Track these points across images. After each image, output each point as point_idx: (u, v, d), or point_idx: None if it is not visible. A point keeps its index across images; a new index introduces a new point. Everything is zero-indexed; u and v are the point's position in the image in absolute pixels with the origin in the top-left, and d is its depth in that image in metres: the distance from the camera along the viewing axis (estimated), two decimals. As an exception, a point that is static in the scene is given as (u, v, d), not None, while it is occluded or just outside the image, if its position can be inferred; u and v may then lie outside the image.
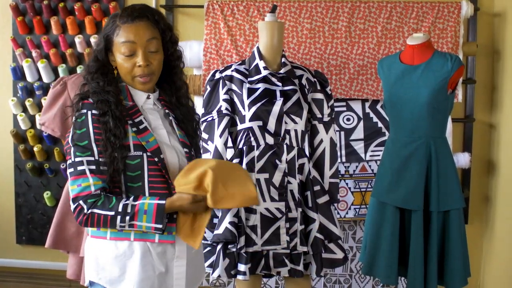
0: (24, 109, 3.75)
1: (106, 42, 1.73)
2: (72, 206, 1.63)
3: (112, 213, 1.60)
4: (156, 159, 1.68)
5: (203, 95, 2.61)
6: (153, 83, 1.77)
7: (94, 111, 1.65)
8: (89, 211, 1.61)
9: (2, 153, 3.87)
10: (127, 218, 1.60)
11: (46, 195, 3.72)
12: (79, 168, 1.62)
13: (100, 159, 1.63)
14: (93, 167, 1.63)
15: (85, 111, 1.66)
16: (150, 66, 1.72)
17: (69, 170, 1.65)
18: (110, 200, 1.62)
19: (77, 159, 1.62)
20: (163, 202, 1.63)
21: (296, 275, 2.42)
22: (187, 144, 1.82)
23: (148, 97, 1.78)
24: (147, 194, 1.68)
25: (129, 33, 1.68)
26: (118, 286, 1.69)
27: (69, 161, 1.65)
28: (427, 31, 3.21)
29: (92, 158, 1.63)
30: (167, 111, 1.84)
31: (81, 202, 1.61)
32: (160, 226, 1.62)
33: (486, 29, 3.42)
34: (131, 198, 1.64)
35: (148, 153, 1.67)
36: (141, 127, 1.70)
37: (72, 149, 1.63)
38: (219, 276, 2.39)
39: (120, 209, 1.60)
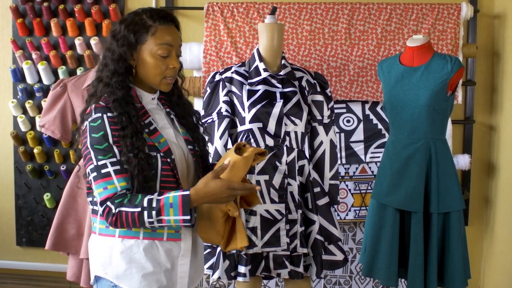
0: (24, 111, 3.75)
1: (135, 41, 1.70)
2: (100, 209, 1.62)
3: (139, 209, 1.58)
4: (168, 160, 1.70)
5: (203, 97, 2.61)
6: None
7: (109, 114, 1.64)
8: (117, 210, 1.59)
9: (2, 155, 3.87)
10: (154, 213, 1.58)
11: (46, 197, 3.72)
12: (103, 171, 1.62)
13: (122, 159, 1.63)
14: (118, 167, 1.62)
15: (100, 114, 1.64)
16: (177, 68, 1.77)
17: (92, 175, 1.63)
18: (136, 197, 1.61)
19: (100, 163, 1.62)
20: (187, 192, 1.61)
21: (296, 277, 2.42)
22: (191, 141, 1.84)
23: (153, 98, 1.80)
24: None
25: (167, 35, 1.71)
26: (124, 280, 1.69)
27: (90, 166, 1.63)
28: (427, 33, 3.21)
29: (114, 159, 1.62)
30: (167, 109, 1.86)
31: (108, 203, 1.60)
32: (188, 217, 1.59)
33: (486, 31, 3.43)
34: (156, 194, 1.63)
35: (161, 154, 1.69)
36: (151, 128, 1.72)
37: (92, 153, 1.62)
38: (219, 278, 2.39)
39: (145, 204, 1.58)
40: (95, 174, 1.62)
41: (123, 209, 1.59)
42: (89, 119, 1.65)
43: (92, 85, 1.76)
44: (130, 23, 1.71)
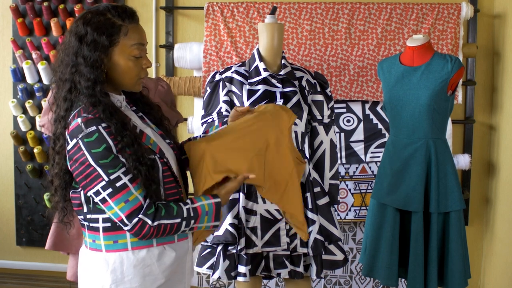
0: (24, 111, 3.75)
1: (108, 44, 1.57)
2: (130, 223, 1.54)
3: (178, 220, 1.59)
4: (165, 160, 1.66)
5: (203, 96, 2.61)
6: None
7: (103, 124, 1.52)
8: (156, 223, 1.55)
9: (2, 154, 3.88)
10: (192, 221, 1.62)
11: (46, 196, 3.72)
12: (118, 184, 1.52)
13: (130, 164, 1.55)
14: (130, 175, 1.54)
15: (94, 127, 1.51)
16: (150, 67, 1.70)
17: (106, 192, 1.52)
18: (171, 208, 1.59)
19: (112, 177, 1.52)
20: (218, 200, 1.66)
21: (296, 277, 2.42)
22: (164, 135, 1.79)
23: (123, 99, 1.70)
24: (162, 195, 1.63)
25: (139, 34, 1.61)
26: None
27: (101, 184, 1.52)
28: (427, 33, 3.21)
29: (124, 169, 1.53)
30: (133, 107, 1.78)
31: (141, 216, 1.54)
32: (219, 222, 1.67)
33: (486, 31, 3.43)
34: (189, 202, 1.63)
35: (158, 155, 1.64)
36: (137, 130, 1.65)
37: (100, 169, 1.51)
38: (219, 277, 2.39)
39: (185, 215, 1.59)
40: (109, 190, 1.52)
41: (162, 221, 1.56)
42: (81, 135, 1.51)
43: (65, 98, 1.59)
44: (98, 24, 1.56)
